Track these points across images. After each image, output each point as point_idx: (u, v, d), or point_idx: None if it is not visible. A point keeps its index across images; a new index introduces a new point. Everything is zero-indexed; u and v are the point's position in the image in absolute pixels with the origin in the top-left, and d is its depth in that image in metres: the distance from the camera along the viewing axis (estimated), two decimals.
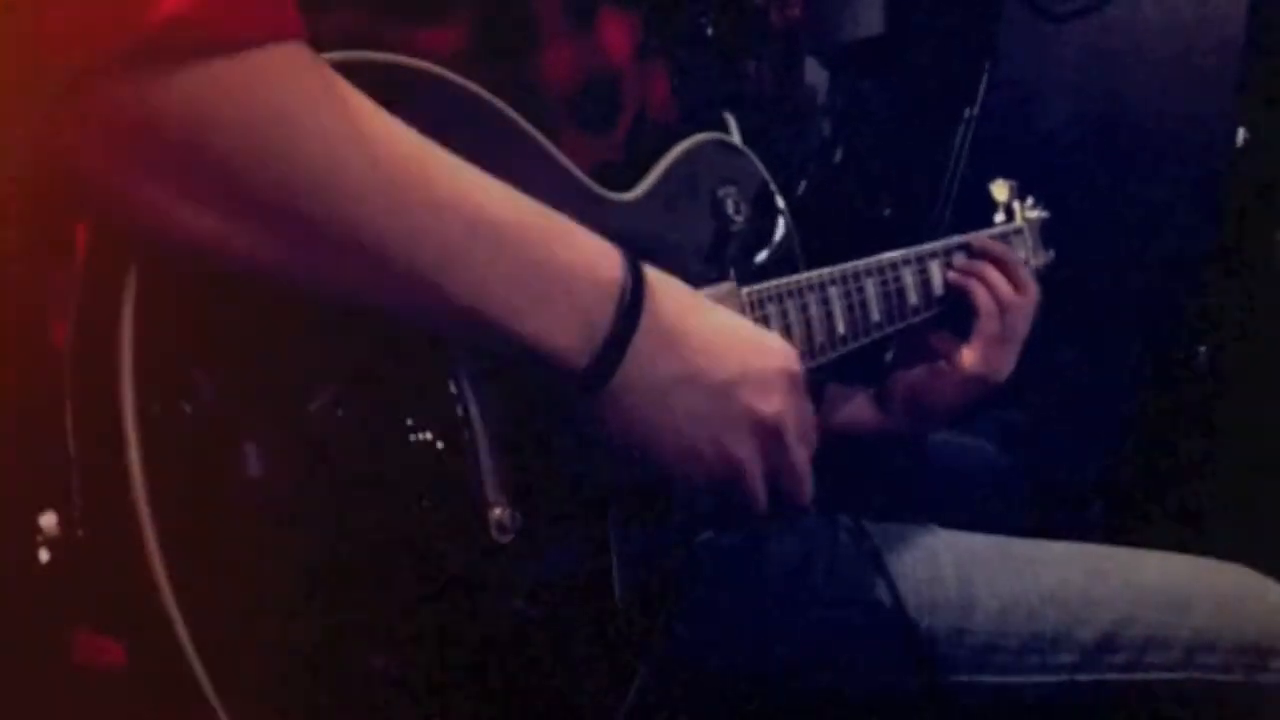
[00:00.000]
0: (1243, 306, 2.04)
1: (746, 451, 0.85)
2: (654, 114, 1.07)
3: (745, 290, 1.03)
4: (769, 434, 0.86)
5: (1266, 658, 1.06)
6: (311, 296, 0.71)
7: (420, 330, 0.77)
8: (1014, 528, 1.18)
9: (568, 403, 0.80)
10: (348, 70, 0.70)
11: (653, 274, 0.81)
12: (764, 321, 1.04)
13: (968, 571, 1.07)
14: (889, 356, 1.33)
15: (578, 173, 0.93)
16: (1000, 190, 1.48)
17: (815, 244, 1.18)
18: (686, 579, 0.97)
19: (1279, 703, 1.06)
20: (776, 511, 0.90)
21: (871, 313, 1.16)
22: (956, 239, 1.32)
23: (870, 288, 1.16)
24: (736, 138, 1.14)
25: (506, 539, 0.79)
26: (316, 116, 0.67)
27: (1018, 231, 1.43)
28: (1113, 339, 2.10)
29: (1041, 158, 2.25)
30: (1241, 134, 2.03)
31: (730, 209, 1.07)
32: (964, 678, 1.04)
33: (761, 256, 1.13)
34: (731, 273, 1.06)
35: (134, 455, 0.64)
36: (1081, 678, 1.05)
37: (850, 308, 1.13)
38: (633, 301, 0.78)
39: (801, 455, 0.89)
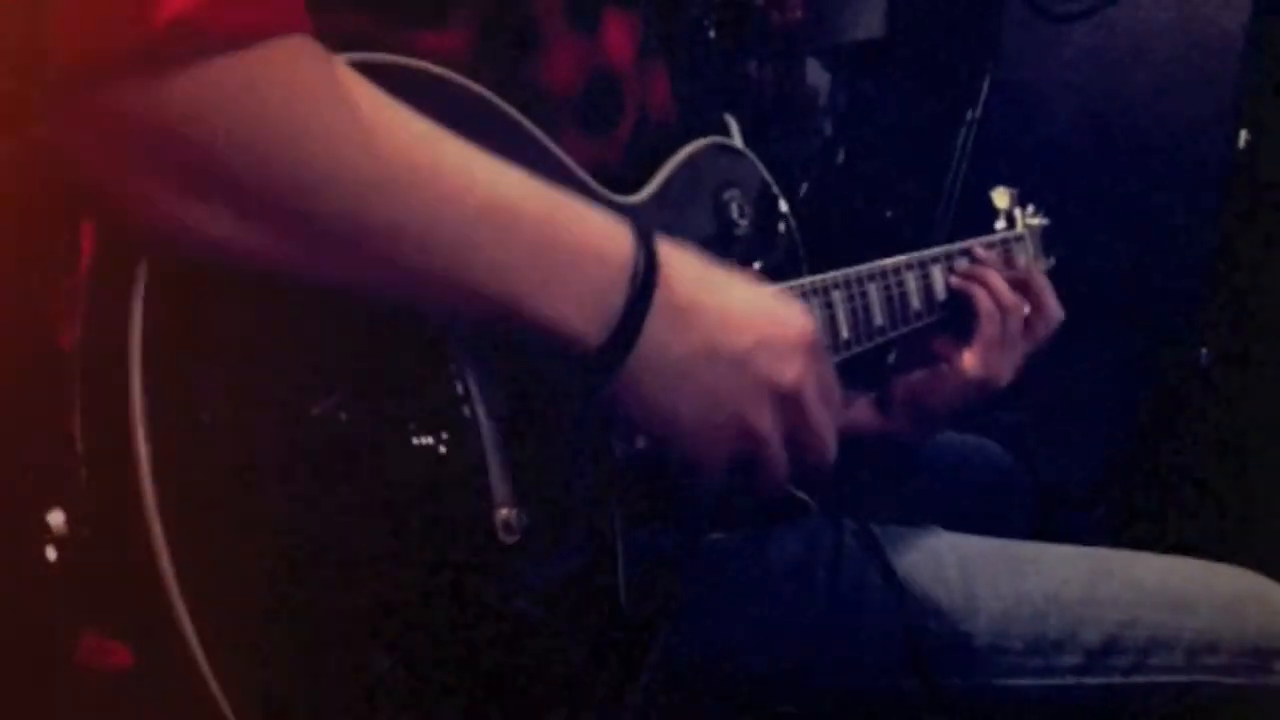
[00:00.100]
0: (1243, 307, 2.04)
1: (766, 422, 0.85)
2: (654, 114, 1.07)
3: None
4: (789, 403, 0.85)
5: (1269, 660, 1.05)
6: (322, 289, 0.71)
7: (432, 321, 0.77)
8: (1017, 529, 1.18)
9: (575, 402, 0.80)
10: None
11: (665, 249, 0.81)
12: None
13: (971, 573, 1.07)
14: (890, 359, 1.33)
15: (582, 174, 0.93)
16: (1001, 197, 1.48)
17: (817, 246, 1.18)
18: (691, 581, 0.97)
19: None
20: (801, 475, 0.90)
21: (875, 317, 1.16)
22: (959, 244, 1.32)
23: (873, 292, 1.16)
24: (738, 140, 1.15)
25: (512, 540, 0.79)
26: (324, 108, 0.67)
27: (1019, 238, 1.43)
28: (1114, 340, 2.10)
29: (1042, 159, 2.26)
30: (1243, 135, 2.03)
31: (734, 213, 1.07)
32: (966, 680, 1.04)
33: (765, 260, 1.13)
34: None
35: (142, 454, 0.64)
36: (1084, 680, 1.05)
37: (854, 312, 1.13)
38: (646, 280, 0.78)
39: (823, 416, 0.88)
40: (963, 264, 1.29)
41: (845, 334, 1.12)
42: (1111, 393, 2.13)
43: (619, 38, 1.00)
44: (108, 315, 0.66)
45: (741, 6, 2.39)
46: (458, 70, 0.83)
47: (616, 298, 0.77)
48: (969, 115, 2.32)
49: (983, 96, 2.31)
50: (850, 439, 1.30)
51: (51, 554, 0.68)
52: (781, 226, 1.16)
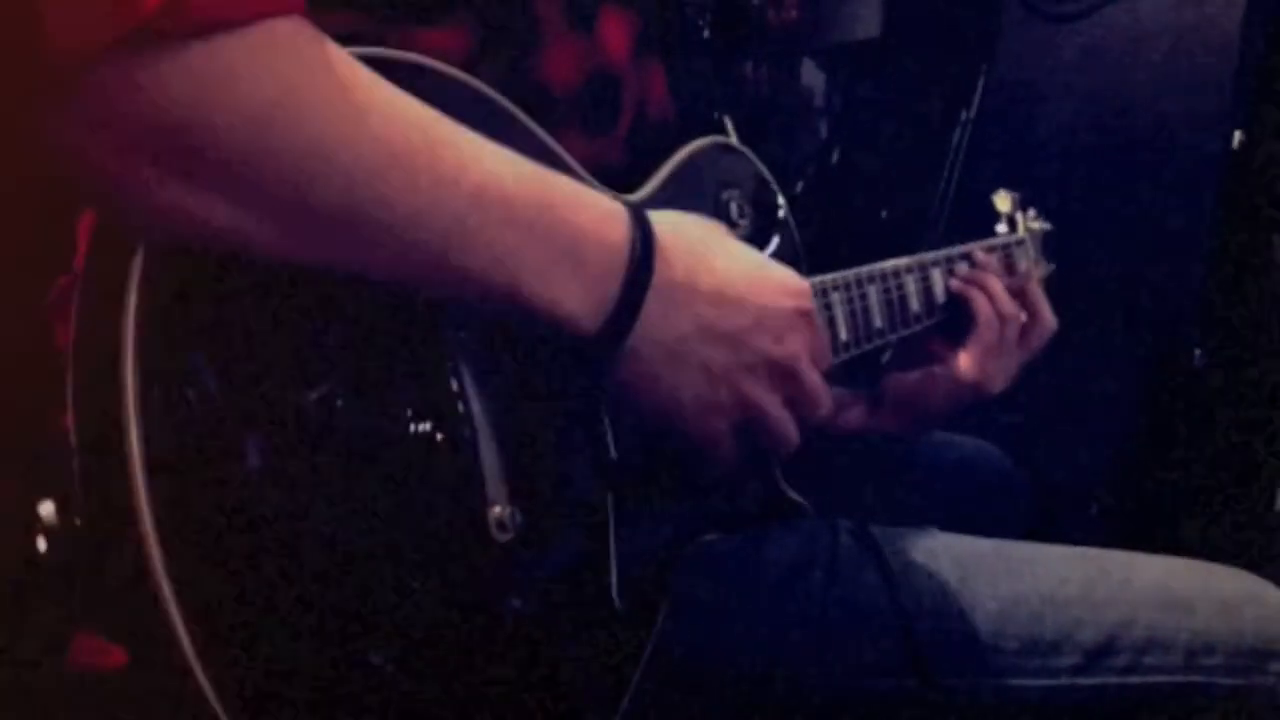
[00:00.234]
0: (1241, 307, 2.04)
1: (765, 393, 0.89)
2: (652, 112, 1.07)
3: None
4: (786, 373, 0.89)
5: (1265, 661, 1.05)
6: (319, 271, 0.71)
7: (433, 303, 0.76)
8: (1015, 530, 1.18)
9: (571, 398, 0.80)
10: None
11: (661, 229, 0.82)
12: None
13: (968, 574, 1.07)
14: (885, 358, 1.34)
15: (583, 172, 0.93)
16: (1003, 201, 1.48)
17: (811, 245, 1.18)
18: (685, 580, 0.97)
19: (1278, 706, 1.06)
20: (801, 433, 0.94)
21: (874, 319, 1.17)
22: (959, 248, 1.32)
23: (873, 294, 1.16)
24: (734, 140, 1.14)
25: (506, 537, 0.79)
26: (319, 89, 0.67)
27: (1020, 242, 1.43)
28: (1112, 340, 2.11)
29: (1039, 159, 2.26)
30: (1238, 136, 2.04)
31: (734, 213, 1.07)
32: (963, 680, 1.04)
33: None
34: None
35: (134, 444, 0.64)
36: (1081, 680, 1.04)
37: (853, 314, 1.13)
38: (643, 261, 0.79)
39: (815, 378, 0.93)
40: (963, 268, 1.29)
41: (844, 336, 1.12)
42: (1108, 394, 2.13)
43: (615, 35, 1.00)
44: (102, 308, 0.66)
45: (737, 6, 2.39)
46: (457, 68, 0.83)
47: (614, 280, 0.78)
48: (963, 116, 2.32)
49: (977, 98, 2.31)
50: (842, 437, 1.31)
51: (42, 544, 0.68)
52: (781, 227, 1.16)
